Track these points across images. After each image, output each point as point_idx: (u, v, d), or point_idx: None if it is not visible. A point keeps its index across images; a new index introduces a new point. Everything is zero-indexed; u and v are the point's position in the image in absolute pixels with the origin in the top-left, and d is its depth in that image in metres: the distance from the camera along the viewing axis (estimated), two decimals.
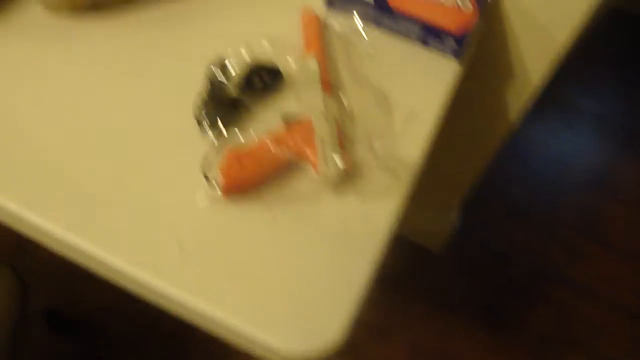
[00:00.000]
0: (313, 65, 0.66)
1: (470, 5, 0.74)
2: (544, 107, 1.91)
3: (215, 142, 0.61)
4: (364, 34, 0.74)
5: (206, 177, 0.58)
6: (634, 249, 1.62)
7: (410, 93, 0.69)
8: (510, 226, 1.63)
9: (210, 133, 0.62)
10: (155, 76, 0.68)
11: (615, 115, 1.92)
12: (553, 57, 0.88)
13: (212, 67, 0.66)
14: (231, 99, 0.63)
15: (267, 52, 0.69)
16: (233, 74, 0.66)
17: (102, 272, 0.57)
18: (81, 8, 0.72)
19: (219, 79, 0.65)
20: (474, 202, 1.56)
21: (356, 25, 0.74)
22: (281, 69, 0.67)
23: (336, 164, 0.57)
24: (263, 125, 0.63)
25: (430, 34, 0.73)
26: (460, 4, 0.74)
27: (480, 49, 0.90)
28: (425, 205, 1.38)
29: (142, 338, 1.26)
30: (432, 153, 1.04)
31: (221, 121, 0.62)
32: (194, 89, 0.65)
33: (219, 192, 0.57)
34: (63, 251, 0.58)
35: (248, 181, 0.58)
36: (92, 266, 0.57)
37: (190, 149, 0.61)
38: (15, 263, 0.85)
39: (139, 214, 0.57)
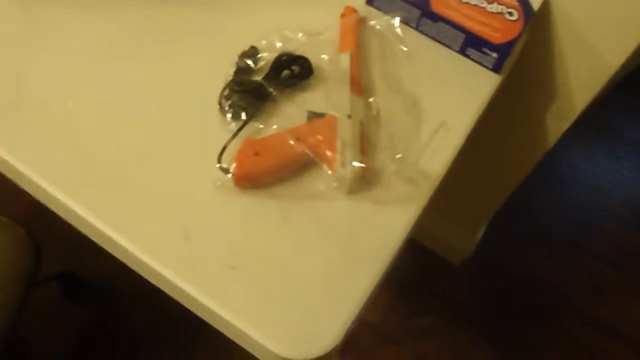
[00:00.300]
0: (345, 63, 0.64)
1: (516, 14, 0.71)
2: (588, 132, 1.84)
3: (235, 130, 0.59)
4: (402, 36, 0.71)
5: (220, 165, 0.57)
6: None
7: (443, 102, 0.67)
8: (536, 250, 1.58)
9: (231, 121, 0.61)
10: (187, 58, 0.67)
11: None
12: (600, 80, 0.84)
13: (243, 53, 0.65)
14: (257, 88, 0.62)
15: (302, 45, 0.68)
16: (262, 62, 0.64)
17: (109, 249, 0.56)
18: None
19: (248, 66, 0.64)
20: (502, 220, 1.52)
21: (396, 26, 0.72)
22: (313, 63, 0.65)
23: (354, 168, 0.55)
24: (287, 119, 0.61)
25: (471, 45, 0.70)
26: (505, 12, 0.71)
27: (523, 62, 0.86)
28: (452, 218, 1.35)
29: (155, 304, 1.27)
30: (463, 167, 1.01)
31: (245, 110, 0.61)
32: (224, 75, 0.64)
33: (232, 182, 0.56)
34: (74, 223, 0.57)
35: (262, 173, 0.56)
36: (101, 242, 0.56)
37: (211, 135, 0.60)
38: (31, 225, 0.86)
39: (151, 198, 0.56)
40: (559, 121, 0.93)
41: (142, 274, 0.56)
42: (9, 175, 0.59)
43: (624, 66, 0.80)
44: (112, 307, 1.36)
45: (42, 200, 0.59)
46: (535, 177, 1.52)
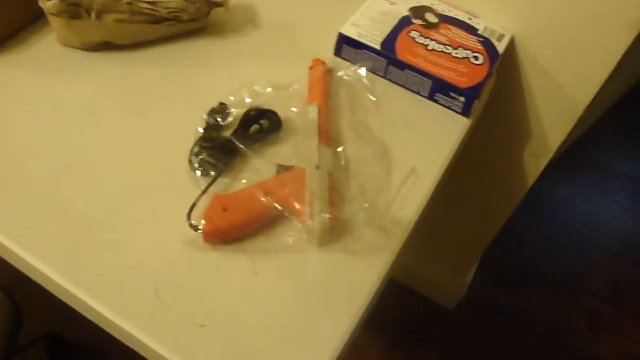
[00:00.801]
0: (312, 114, 0.65)
1: (482, 59, 0.72)
2: (576, 168, 1.85)
3: (205, 186, 0.59)
4: (370, 85, 0.72)
5: (190, 222, 0.57)
6: None
7: (413, 149, 0.67)
8: (528, 289, 1.57)
9: (201, 177, 0.61)
10: (156, 115, 0.67)
11: None
12: (572, 117, 0.85)
13: (212, 110, 0.66)
14: (226, 144, 0.62)
15: (270, 99, 0.69)
16: (231, 118, 0.65)
17: (80, 310, 0.55)
18: (93, 45, 0.73)
19: (217, 122, 0.64)
20: (493, 260, 1.51)
21: (363, 76, 0.73)
22: (282, 116, 0.66)
23: (323, 219, 0.55)
24: (256, 173, 0.62)
25: (439, 90, 0.71)
26: (471, 56, 0.72)
27: (495, 104, 0.87)
28: (441, 261, 1.34)
29: None
30: (447, 210, 1.02)
31: (214, 166, 0.61)
32: (194, 132, 0.65)
33: (202, 239, 0.56)
34: (45, 285, 0.57)
35: (231, 228, 0.56)
36: (71, 303, 0.56)
37: (181, 192, 0.60)
38: (16, 289, 0.84)
39: (121, 257, 0.55)
40: (536, 159, 0.94)
41: (114, 334, 0.55)
42: None
43: (599, 102, 0.81)
44: None
45: (12, 262, 0.58)
46: (524, 215, 1.52)
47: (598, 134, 1.90)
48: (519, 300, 1.54)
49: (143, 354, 0.53)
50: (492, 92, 0.82)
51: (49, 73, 0.71)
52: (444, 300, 1.46)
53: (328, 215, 0.55)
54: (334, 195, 0.59)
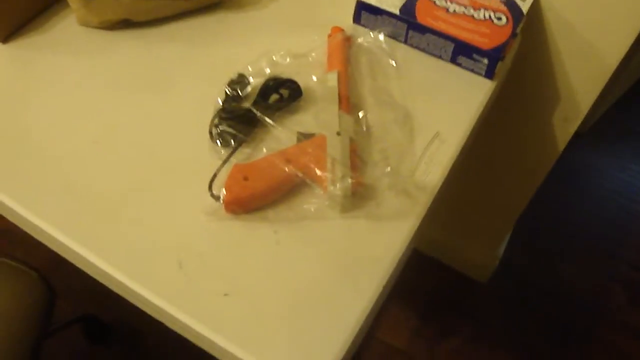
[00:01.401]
0: (332, 81, 0.64)
1: (505, 19, 0.70)
2: (612, 137, 1.80)
3: (226, 157, 0.59)
4: (391, 50, 0.71)
5: (212, 193, 0.57)
6: None
7: (436, 113, 0.66)
8: (563, 261, 1.54)
9: (221, 148, 0.60)
10: (176, 91, 0.67)
11: None
12: (602, 78, 0.82)
13: (231, 81, 0.65)
14: (246, 115, 0.62)
15: (290, 68, 0.68)
16: (249, 89, 0.64)
17: (106, 283, 0.56)
18: (112, 23, 0.73)
19: (236, 93, 0.64)
20: (524, 231, 1.48)
21: (383, 42, 0.71)
22: (302, 85, 0.65)
23: (345, 185, 0.54)
24: (277, 142, 0.61)
25: (461, 53, 0.69)
26: (494, 17, 0.70)
27: (523, 67, 0.85)
28: (472, 235, 1.32)
29: (177, 343, 1.26)
30: (477, 180, 1.00)
31: (234, 137, 0.61)
32: (213, 104, 0.64)
33: (223, 209, 0.56)
34: (72, 260, 0.58)
35: (252, 197, 0.56)
36: (98, 277, 0.56)
37: (203, 164, 0.60)
38: (53, 271, 0.86)
39: (145, 231, 0.56)
40: (566, 123, 0.91)
41: (140, 307, 0.55)
42: (13, 219, 0.60)
43: (632, 67, 0.79)
44: (137, 348, 1.36)
45: (42, 239, 0.59)
46: (558, 185, 1.49)
47: (632, 101, 1.85)
48: (554, 272, 1.51)
49: (170, 325, 0.54)
50: (518, 55, 0.80)
51: (70, 54, 0.71)
52: (477, 274, 1.44)
53: (350, 180, 0.54)
54: (356, 161, 0.58)
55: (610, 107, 1.81)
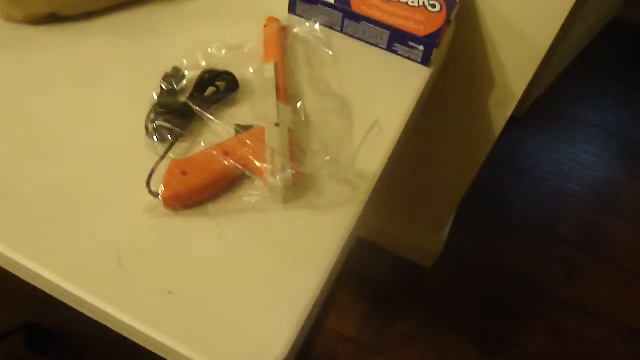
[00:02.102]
0: (269, 72, 0.63)
1: (439, 6, 0.71)
2: (543, 119, 1.87)
3: (163, 152, 0.58)
4: (327, 40, 0.71)
5: (149, 189, 0.55)
6: (636, 266, 1.57)
7: (374, 101, 0.66)
8: (504, 241, 1.59)
9: (158, 144, 0.59)
10: (109, 86, 0.65)
11: (618, 128, 1.87)
12: (533, 64, 0.84)
13: (166, 75, 0.64)
14: (182, 108, 0.61)
15: (226, 60, 0.67)
16: (184, 82, 0.63)
17: (44, 288, 0.54)
18: (38, 18, 0.70)
19: (172, 87, 0.63)
20: (467, 216, 1.52)
21: (319, 31, 0.71)
22: (239, 76, 0.64)
23: (285, 175, 0.54)
24: (215, 136, 0.60)
25: (397, 40, 0.70)
26: (427, 5, 0.71)
27: (457, 54, 0.87)
28: (415, 220, 1.35)
29: (125, 348, 1.23)
30: (417, 167, 1.01)
31: (171, 132, 0.59)
32: (149, 99, 0.63)
33: (162, 205, 0.55)
34: (6, 267, 0.55)
35: (191, 192, 0.55)
36: (33, 282, 0.54)
37: (140, 160, 0.58)
38: None
39: (83, 230, 0.54)
40: (501, 108, 0.94)
41: (82, 310, 0.53)
42: None
43: (564, 52, 0.81)
44: (83, 356, 1.32)
45: None
46: (495, 169, 1.53)
47: (565, 84, 1.92)
48: (496, 254, 1.56)
49: (115, 328, 0.52)
50: (453, 42, 0.82)
51: None
52: (422, 259, 1.47)
53: (290, 171, 0.54)
54: (296, 151, 0.58)
55: (544, 91, 1.87)
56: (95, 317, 0.53)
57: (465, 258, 1.53)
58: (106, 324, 0.52)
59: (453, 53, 0.85)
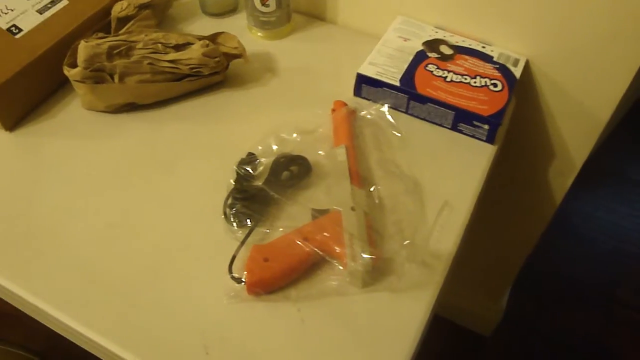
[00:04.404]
0: (341, 156, 0.65)
1: (500, 85, 0.73)
2: (592, 180, 1.84)
3: (242, 238, 0.60)
4: (394, 121, 0.73)
5: (232, 276, 0.57)
6: None
7: (443, 180, 0.68)
8: (565, 308, 1.54)
9: (237, 229, 0.61)
10: (186, 171, 0.68)
11: None
12: (594, 133, 0.85)
13: (241, 161, 0.66)
14: (259, 194, 0.63)
15: (297, 145, 0.69)
16: (261, 167, 0.66)
17: None
18: (117, 107, 0.75)
19: (247, 173, 0.65)
20: (525, 282, 1.49)
21: (386, 113, 0.73)
22: (311, 160, 0.67)
23: (364, 260, 0.55)
24: (292, 220, 0.62)
25: (462, 120, 0.72)
26: (489, 84, 0.73)
27: (516, 128, 0.88)
28: (474, 289, 1.33)
29: None
30: (477, 237, 1.01)
31: (249, 217, 0.62)
32: (224, 184, 0.65)
33: (245, 291, 0.56)
34: (94, 352, 0.57)
35: (274, 278, 0.56)
36: None
37: (219, 246, 0.60)
38: (48, 356, 0.84)
39: (166, 317, 0.56)
40: (562, 178, 0.94)
41: None
42: (24, 309, 0.60)
43: (615, 113, 0.81)
44: None
45: (59, 330, 0.58)
46: (549, 233, 1.50)
47: (609, 143, 1.89)
48: (558, 320, 1.51)
49: None
50: (512, 116, 0.83)
51: (77, 138, 0.72)
52: (481, 327, 1.44)
53: (369, 256, 0.55)
54: (373, 235, 0.59)
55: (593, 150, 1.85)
56: None
57: (526, 325, 1.50)
58: None
59: (513, 126, 0.86)
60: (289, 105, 0.76)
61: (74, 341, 0.58)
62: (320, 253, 0.57)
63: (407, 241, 0.59)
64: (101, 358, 0.57)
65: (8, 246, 0.61)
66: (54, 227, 0.63)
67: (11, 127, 0.74)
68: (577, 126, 0.86)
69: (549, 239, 1.64)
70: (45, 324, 0.60)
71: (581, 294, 1.57)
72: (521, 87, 0.82)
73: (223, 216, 0.63)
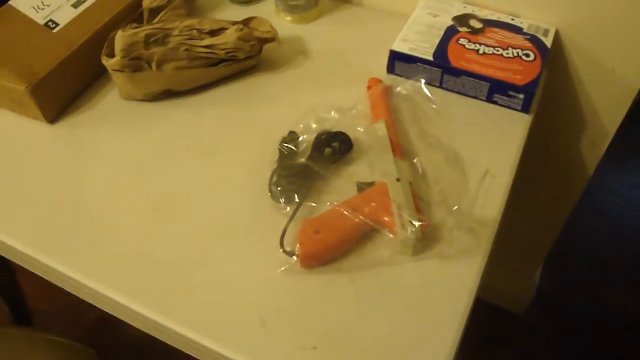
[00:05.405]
0: (381, 130, 0.66)
1: (532, 55, 0.74)
2: (618, 156, 1.83)
3: (291, 213, 0.61)
4: (430, 95, 0.74)
5: (284, 250, 0.58)
6: None
7: (482, 150, 0.68)
8: (598, 283, 1.54)
9: (285, 205, 0.62)
10: (228, 154, 0.69)
11: None
12: (626, 101, 0.85)
13: (283, 139, 0.68)
14: (303, 169, 0.64)
15: (336, 122, 0.70)
16: (304, 145, 0.67)
17: (191, 351, 0.56)
18: (155, 95, 0.76)
19: (290, 150, 0.66)
20: (555, 258, 1.49)
21: (421, 87, 0.74)
22: (350, 136, 0.68)
23: (414, 228, 0.56)
24: (338, 194, 0.63)
25: (497, 91, 0.72)
26: (522, 54, 0.74)
27: (548, 98, 0.88)
28: (506, 265, 1.33)
29: None
30: (509, 211, 1.01)
31: (295, 192, 0.63)
32: (267, 163, 0.66)
33: (298, 264, 0.57)
34: (150, 332, 0.58)
35: (326, 250, 0.57)
36: (182, 346, 0.57)
37: (267, 222, 0.61)
38: (95, 342, 0.86)
39: (220, 292, 0.57)
40: (593, 148, 0.94)
41: None
42: (79, 293, 0.61)
43: None
44: None
45: (116, 313, 0.60)
46: (577, 209, 1.50)
47: (635, 116, 1.88)
48: (591, 297, 1.51)
49: None
50: (544, 86, 0.83)
51: (118, 127, 0.74)
52: (514, 305, 1.44)
53: (419, 223, 0.56)
54: (419, 204, 0.60)
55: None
56: None
57: (559, 302, 1.50)
58: None
59: (544, 97, 0.86)
60: (323, 86, 0.77)
61: (130, 322, 0.59)
62: (370, 222, 0.58)
63: (456, 207, 0.60)
64: (158, 337, 0.58)
65: (61, 235, 0.62)
66: (103, 216, 0.64)
67: (52, 119, 0.75)
68: (608, 94, 0.86)
69: (578, 215, 1.64)
70: (102, 307, 0.61)
71: (612, 270, 1.57)
72: (551, 57, 0.82)
73: (269, 194, 0.64)
